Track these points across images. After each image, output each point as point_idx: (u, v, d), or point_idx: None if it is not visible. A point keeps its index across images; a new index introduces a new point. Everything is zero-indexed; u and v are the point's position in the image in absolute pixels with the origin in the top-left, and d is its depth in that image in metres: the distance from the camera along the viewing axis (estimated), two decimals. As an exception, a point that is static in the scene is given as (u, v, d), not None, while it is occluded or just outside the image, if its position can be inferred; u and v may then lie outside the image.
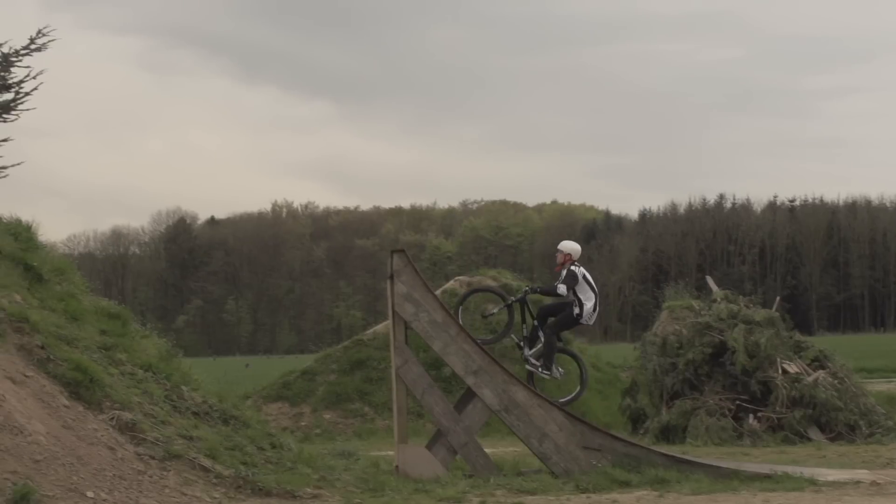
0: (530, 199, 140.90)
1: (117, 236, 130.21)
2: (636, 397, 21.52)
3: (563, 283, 13.60)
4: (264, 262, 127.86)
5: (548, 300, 15.09)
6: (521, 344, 13.91)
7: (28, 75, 19.30)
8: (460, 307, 14.28)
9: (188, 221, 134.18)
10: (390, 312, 13.67)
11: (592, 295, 13.67)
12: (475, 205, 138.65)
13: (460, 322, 13.59)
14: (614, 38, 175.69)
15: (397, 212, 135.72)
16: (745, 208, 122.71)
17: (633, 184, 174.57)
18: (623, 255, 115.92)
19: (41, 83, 19.41)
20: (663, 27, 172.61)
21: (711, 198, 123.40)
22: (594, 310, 13.70)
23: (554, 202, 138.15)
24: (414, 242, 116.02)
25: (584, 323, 13.89)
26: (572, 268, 13.63)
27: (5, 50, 19.15)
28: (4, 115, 19.34)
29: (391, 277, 13.57)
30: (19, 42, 19.31)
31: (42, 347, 11.05)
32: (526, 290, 14.17)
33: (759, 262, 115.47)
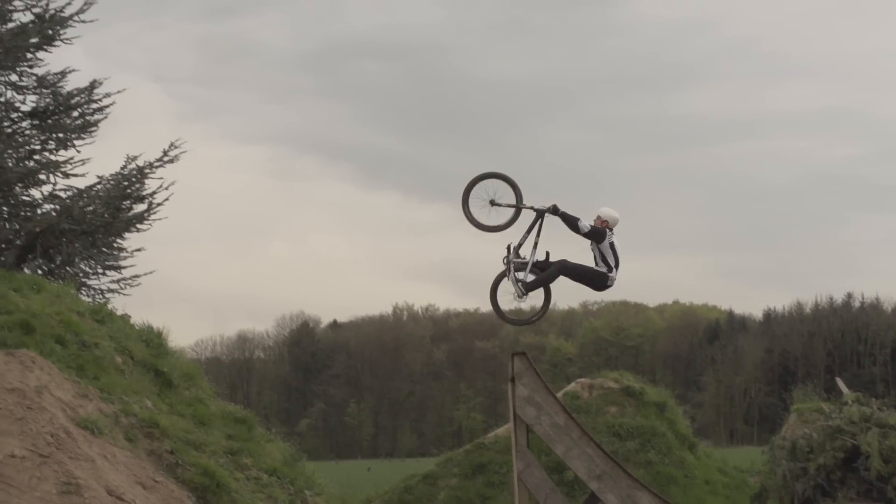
0: (651, 300, 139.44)
1: (243, 341, 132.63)
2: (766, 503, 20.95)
3: (590, 226, 13.01)
4: (385, 365, 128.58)
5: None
6: (517, 257, 13.20)
7: (160, 186, 20.08)
8: (471, 192, 13.31)
9: (311, 325, 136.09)
10: (511, 415, 13.62)
11: (615, 262, 13.10)
12: (595, 306, 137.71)
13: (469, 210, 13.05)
14: (733, 136, 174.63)
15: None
16: (874, 307, 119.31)
17: (757, 283, 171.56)
18: (748, 355, 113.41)
19: (172, 194, 20.17)
20: (784, 124, 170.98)
21: (838, 297, 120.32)
22: (614, 271, 13.15)
23: (675, 302, 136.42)
24: (534, 344, 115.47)
25: (608, 286, 13.24)
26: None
27: (140, 163, 19.99)
28: (138, 226, 20.09)
29: (512, 380, 13.55)
30: (153, 155, 20.15)
31: (171, 452, 11.28)
32: (552, 207, 13.13)
33: (892, 363, 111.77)
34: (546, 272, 13.07)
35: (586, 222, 12.96)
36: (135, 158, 20.09)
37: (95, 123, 20.34)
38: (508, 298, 13.25)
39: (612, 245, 13.10)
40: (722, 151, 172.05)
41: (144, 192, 20.10)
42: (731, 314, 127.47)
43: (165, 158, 20.18)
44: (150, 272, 20.92)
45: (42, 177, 19.83)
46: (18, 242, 19.25)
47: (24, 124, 20.08)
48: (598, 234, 12.98)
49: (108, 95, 20.42)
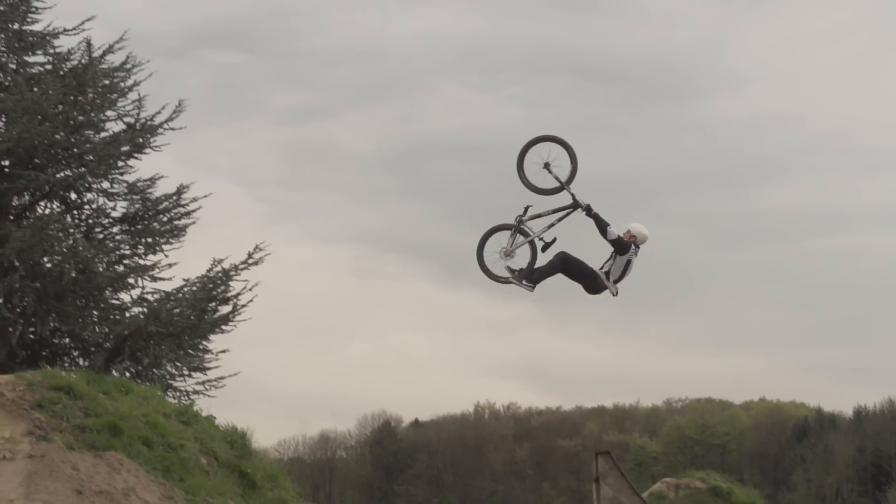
0: (737, 397, 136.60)
1: (325, 440, 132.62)
2: None
3: (618, 235, 12.82)
4: (467, 464, 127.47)
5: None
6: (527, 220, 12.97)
7: (245, 288, 20.44)
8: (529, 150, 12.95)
9: (393, 424, 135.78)
10: (596, 517, 13.47)
11: (620, 276, 12.98)
12: (679, 403, 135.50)
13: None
14: (819, 230, 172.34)
15: (600, 411, 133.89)
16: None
17: (846, 379, 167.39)
18: (838, 454, 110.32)
19: (256, 295, 20.50)
20: (871, 218, 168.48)
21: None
22: (611, 281, 12.95)
23: (762, 399, 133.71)
24: (618, 442, 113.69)
25: (600, 291, 13.05)
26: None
27: (225, 266, 20.39)
28: (223, 327, 20.42)
29: (596, 480, 13.44)
30: (238, 257, 20.56)
31: (255, 554, 11.33)
32: (587, 206, 12.79)
33: None
34: (548, 263, 12.92)
35: (616, 230, 12.84)
36: (220, 261, 20.52)
37: (183, 228, 20.87)
38: (494, 258, 13.01)
39: (628, 262, 13.00)
40: (808, 245, 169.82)
41: (229, 294, 20.47)
42: (819, 411, 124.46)
43: (250, 261, 20.57)
44: (235, 374, 21.20)
45: (131, 281, 20.31)
46: (107, 345, 19.66)
47: (115, 230, 20.66)
48: (623, 245, 12.90)
49: (194, 200, 20.98)
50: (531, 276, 12.90)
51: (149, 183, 20.88)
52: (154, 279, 20.48)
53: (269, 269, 20.95)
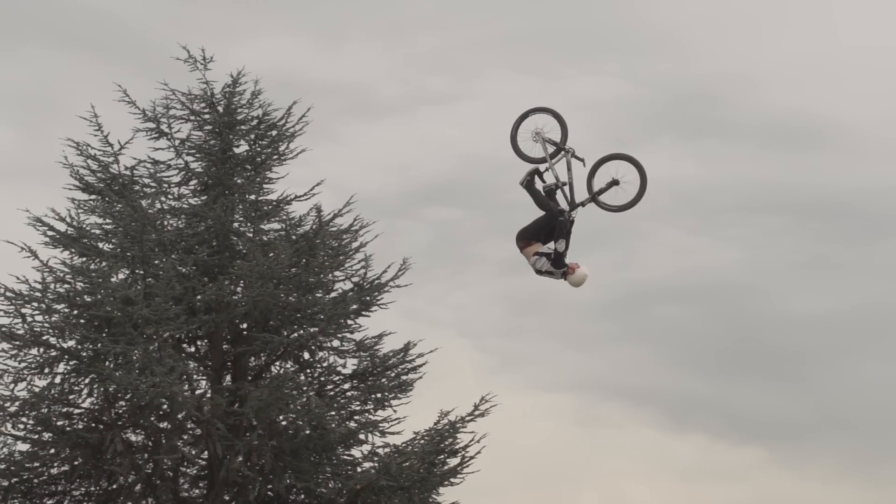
0: None
1: None
2: None
3: (559, 253, 13.04)
4: None
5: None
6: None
7: (472, 440, 20.60)
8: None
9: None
10: None
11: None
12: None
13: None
14: None
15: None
16: None
17: None
18: None
19: (484, 446, 20.61)
20: None
21: None
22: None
23: None
24: None
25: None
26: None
27: (452, 418, 20.65)
28: (452, 480, 20.56)
29: None
30: (464, 409, 20.80)
31: None
32: (561, 211, 13.09)
33: None
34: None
35: (562, 249, 13.01)
36: (447, 413, 20.79)
37: (410, 383, 21.29)
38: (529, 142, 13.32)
39: (545, 270, 13.12)
40: None
41: (457, 447, 20.64)
42: None
43: (476, 412, 20.76)
44: (464, 528, 21.18)
45: (361, 436, 20.76)
46: (341, 500, 20.06)
47: (346, 386, 21.28)
48: (557, 260, 13.09)
49: (421, 355, 21.41)
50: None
51: (376, 340, 21.50)
52: (383, 434, 20.88)
53: (495, 419, 21.11)
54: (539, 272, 13.30)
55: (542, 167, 13.68)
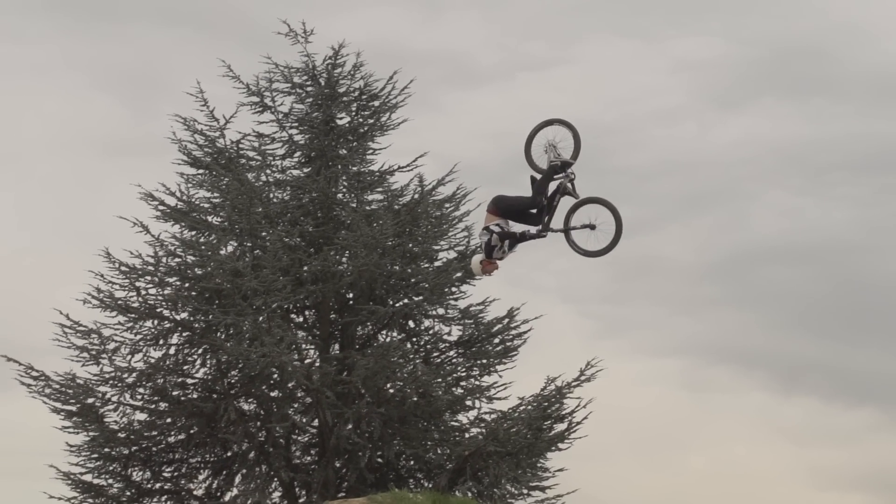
0: None
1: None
2: None
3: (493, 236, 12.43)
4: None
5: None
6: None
7: (578, 405, 20.63)
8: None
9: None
10: None
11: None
12: None
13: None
14: None
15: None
16: None
17: None
18: None
19: (591, 412, 20.63)
20: None
21: None
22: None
23: None
24: None
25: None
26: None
27: (558, 384, 20.70)
28: (559, 445, 20.64)
29: None
30: (570, 375, 20.82)
31: None
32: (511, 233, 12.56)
33: None
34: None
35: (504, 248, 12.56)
36: (553, 379, 20.83)
37: (515, 348, 21.37)
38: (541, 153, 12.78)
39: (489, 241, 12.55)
40: None
41: (564, 412, 20.68)
42: None
43: (582, 378, 20.77)
44: (573, 491, 21.24)
45: (468, 402, 20.94)
46: (449, 466, 20.28)
47: (451, 353, 21.46)
48: (488, 247, 12.58)
49: (525, 321, 21.46)
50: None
51: (481, 307, 21.60)
52: (490, 400, 21.02)
53: (600, 384, 21.05)
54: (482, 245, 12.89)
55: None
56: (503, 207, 12.51)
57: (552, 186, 12.63)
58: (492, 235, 12.43)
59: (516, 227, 12.69)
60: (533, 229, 12.66)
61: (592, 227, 12.70)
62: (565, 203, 12.78)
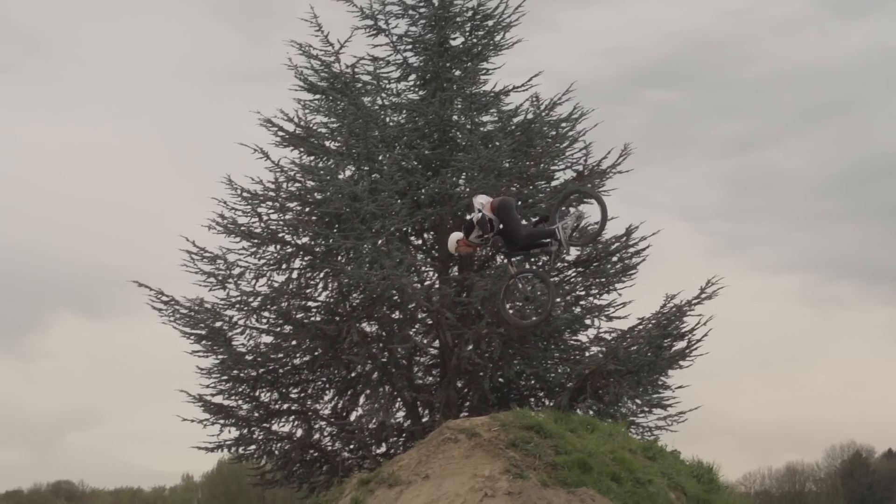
0: None
1: (792, 473, 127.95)
2: None
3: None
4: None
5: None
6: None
7: (698, 323, 20.48)
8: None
9: (864, 455, 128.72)
10: None
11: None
12: None
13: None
14: None
15: None
16: None
17: None
18: None
19: (710, 329, 20.47)
20: None
21: None
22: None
23: None
24: None
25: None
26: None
27: (678, 302, 20.57)
28: (680, 363, 20.56)
29: None
30: (689, 293, 20.66)
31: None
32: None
33: None
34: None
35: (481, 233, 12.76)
36: (672, 297, 20.70)
37: (634, 267, 21.25)
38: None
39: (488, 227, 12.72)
40: None
41: (684, 330, 20.56)
42: None
43: (703, 295, 20.60)
44: (695, 408, 21.22)
45: (587, 321, 20.95)
46: (570, 384, 20.40)
47: (570, 273, 21.45)
48: (468, 226, 12.82)
49: (643, 239, 21.31)
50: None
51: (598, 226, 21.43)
52: (609, 318, 21.00)
53: (720, 301, 20.81)
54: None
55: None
56: (501, 213, 12.83)
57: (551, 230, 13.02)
58: (481, 216, 12.70)
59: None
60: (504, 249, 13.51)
61: (528, 298, 14.01)
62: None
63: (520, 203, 21.21)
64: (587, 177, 21.40)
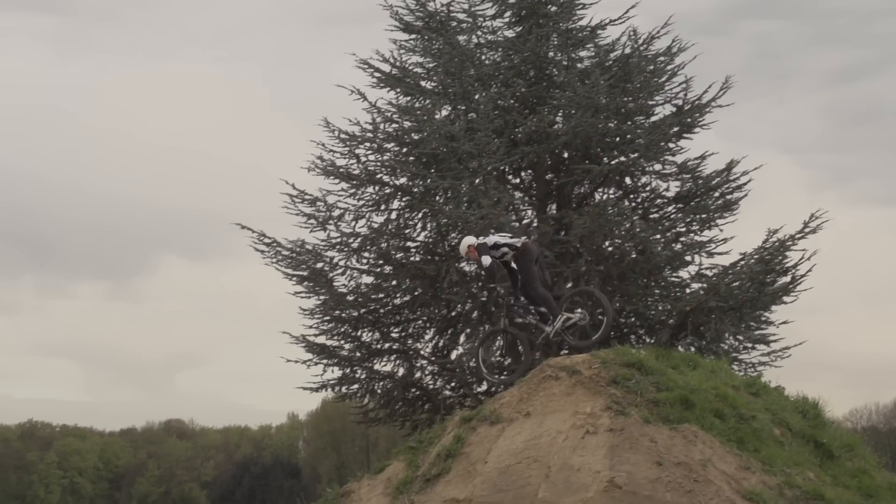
0: None
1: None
2: None
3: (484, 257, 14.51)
4: None
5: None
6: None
7: (802, 258, 20.12)
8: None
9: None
10: None
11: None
12: None
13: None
14: None
15: None
16: None
17: None
18: None
19: (815, 264, 20.10)
20: None
21: None
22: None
23: None
24: None
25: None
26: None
27: (780, 237, 20.22)
28: (784, 299, 20.25)
29: None
30: (792, 227, 20.30)
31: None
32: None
33: None
34: (542, 303, 14.87)
35: (484, 258, 14.75)
36: (775, 232, 20.35)
37: (735, 202, 20.93)
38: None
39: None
40: None
41: (787, 265, 20.23)
42: None
43: (806, 230, 20.22)
44: (800, 343, 20.94)
45: (688, 258, 20.73)
46: (671, 321, 20.25)
47: (670, 209, 21.22)
48: (487, 250, 14.86)
49: (745, 174, 20.96)
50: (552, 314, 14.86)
51: (699, 161, 21.20)
52: (710, 255, 20.76)
53: (825, 236, 20.38)
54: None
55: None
56: (521, 259, 14.80)
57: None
58: (490, 262, 14.84)
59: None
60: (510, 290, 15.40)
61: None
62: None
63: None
64: (686, 111, 21.05)
